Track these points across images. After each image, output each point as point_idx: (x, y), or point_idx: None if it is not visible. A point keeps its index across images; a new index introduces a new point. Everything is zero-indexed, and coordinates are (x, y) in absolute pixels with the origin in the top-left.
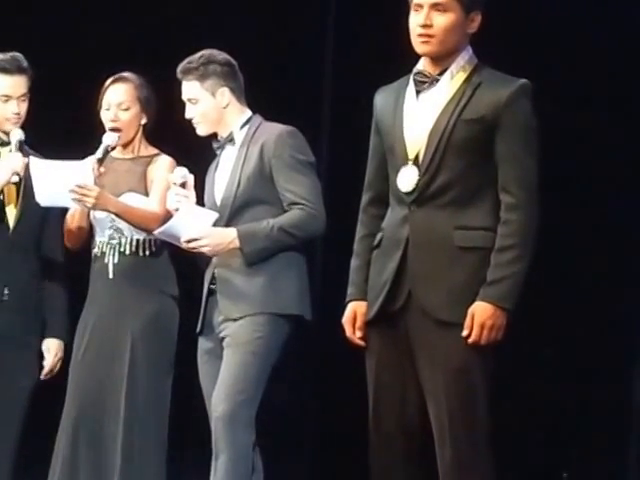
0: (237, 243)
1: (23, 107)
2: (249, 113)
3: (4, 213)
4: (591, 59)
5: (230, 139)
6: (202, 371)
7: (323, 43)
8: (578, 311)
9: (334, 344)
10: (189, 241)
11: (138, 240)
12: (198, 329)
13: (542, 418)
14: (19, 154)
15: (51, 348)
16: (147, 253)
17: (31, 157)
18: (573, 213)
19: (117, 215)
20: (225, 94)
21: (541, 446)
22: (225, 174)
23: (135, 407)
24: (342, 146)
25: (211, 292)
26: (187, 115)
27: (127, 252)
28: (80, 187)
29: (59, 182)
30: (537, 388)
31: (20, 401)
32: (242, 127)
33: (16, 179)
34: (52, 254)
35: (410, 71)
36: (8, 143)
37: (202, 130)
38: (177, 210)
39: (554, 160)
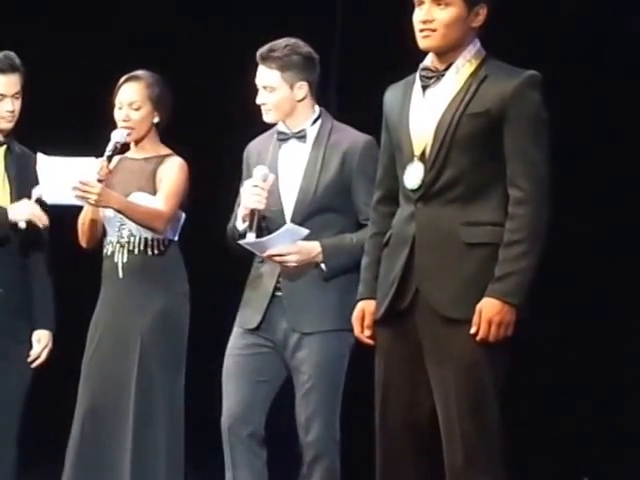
0: (321, 257)
1: (17, 105)
2: (318, 109)
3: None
4: (610, 53)
5: (301, 135)
6: (231, 366)
7: (329, 40)
8: (597, 310)
9: None
10: (276, 255)
11: (147, 239)
12: (251, 326)
13: (561, 420)
14: (37, 206)
15: (42, 339)
16: (156, 252)
17: (38, 154)
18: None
19: (120, 212)
20: (303, 88)
21: (560, 449)
22: (296, 174)
23: (145, 405)
24: None
25: (274, 296)
26: (259, 100)
27: (136, 251)
28: (82, 184)
29: (64, 179)
30: (556, 389)
31: (17, 394)
32: (313, 124)
33: (23, 225)
34: (36, 247)
35: (417, 68)
36: (3, 143)
37: (271, 118)
38: (254, 209)
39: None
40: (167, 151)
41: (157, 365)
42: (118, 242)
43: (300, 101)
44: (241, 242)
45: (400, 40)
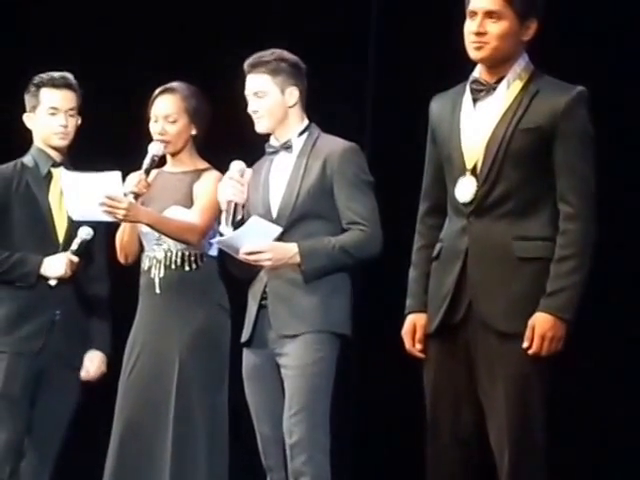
0: (297, 259)
1: (71, 122)
2: (307, 121)
3: (56, 234)
4: None
5: (287, 146)
6: (249, 387)
7: (365, 49)
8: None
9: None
10: (250, 253)
11: (184, 254)
12: (244, 339)
13: (588, 434)
14: (73, 258)
15: (94, 359)
16: (193, 267)
17: (62, 170)
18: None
19: (150, 226)
20: (294, 94)
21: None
22: (281, 183)
23: (184, 425)
24: (382, 156)
25: (261, 306)
26: (251, 108)
27: (173, 266)
28: (110, 199)
29: (90, 195)
30: (585, 399)
31: (61, 419)
32: (300, 134)
33: (53, 283)
34: (98, 275)
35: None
36: (60, 164)
37: (263, 126)
38: (230, 201)
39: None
40: (205, 165)
41: (196, 384)
42: (155, 257)
43: (291, 107)
44: (213, 241)
45: (435, 55)
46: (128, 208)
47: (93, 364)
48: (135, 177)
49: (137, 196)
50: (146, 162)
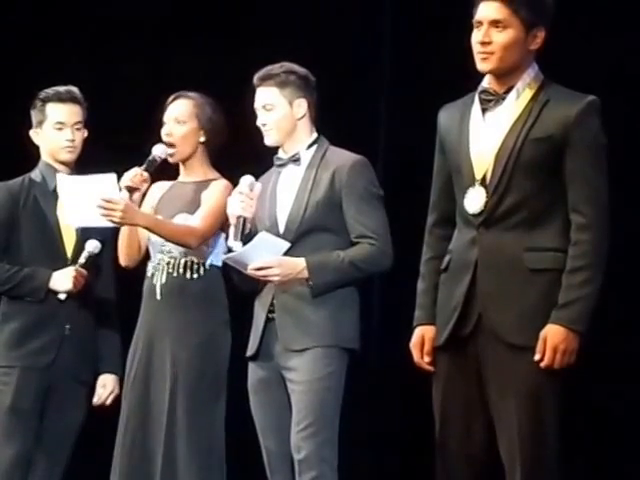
0: (306, 274)
1: (78, 135)
2: (316, 134)
3: (64, 248)
4: None
5: (296, 159)
6: (255, 401)
7: (380, 64)
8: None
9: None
10: (258, 269)
11: (186, 262)
12: (250, 353)
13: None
14: (81, 271)
15: (107, 384)
16: (195, 276)
17: (58, 175)
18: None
19: (148, 229)
20: (302, 105)
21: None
22: (289, 195)
23: (176, 439)
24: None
25: (269, 319)
26: (260, 121)
27: (175, 273)
28: (106, 201)
29: (86, 198)
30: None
31: (70, 433)
32: (309, 147)
33: (62, 297)
34: (105, 291)
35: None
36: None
37: (272, 139)
38: (239, 216)
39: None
40: (215, 175)
41: (190, 395)
42: (159, 263)
43: (299, 120)
44: (223, 257)
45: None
46: (124, 210)
47: (106, 390)
48: (132, 172)
49: (132, 190)
50: (147, 161)
